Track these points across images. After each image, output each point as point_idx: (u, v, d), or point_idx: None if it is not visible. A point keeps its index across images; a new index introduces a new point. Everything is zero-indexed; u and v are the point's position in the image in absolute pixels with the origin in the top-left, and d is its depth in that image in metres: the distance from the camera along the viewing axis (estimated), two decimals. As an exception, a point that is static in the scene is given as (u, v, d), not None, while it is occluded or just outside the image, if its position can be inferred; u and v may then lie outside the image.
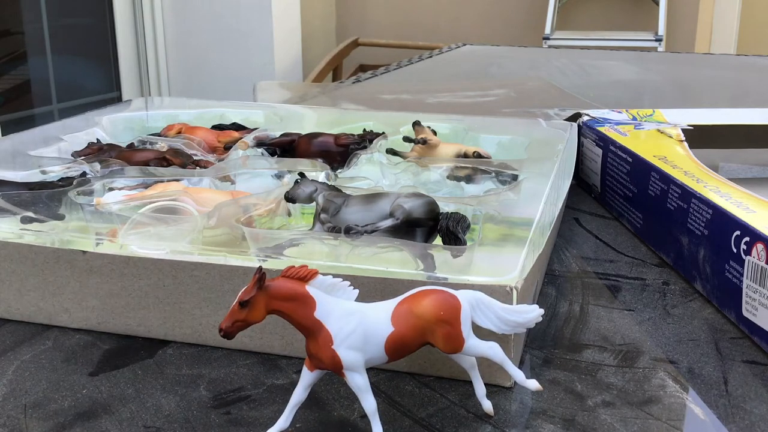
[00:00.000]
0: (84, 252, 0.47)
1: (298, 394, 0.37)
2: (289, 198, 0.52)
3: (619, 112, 0.81)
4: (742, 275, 0.48)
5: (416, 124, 0.66)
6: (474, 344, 0.38)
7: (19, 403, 0.41)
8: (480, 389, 0.40)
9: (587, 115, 0.80)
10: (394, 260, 0.46)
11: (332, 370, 0.36)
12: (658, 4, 2.95)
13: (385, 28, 3.35)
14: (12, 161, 0.65)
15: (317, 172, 0.60)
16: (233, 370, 0.44)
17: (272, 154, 0.67)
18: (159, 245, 0.47)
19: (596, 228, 0.68)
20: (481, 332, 0.38)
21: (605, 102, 1.03)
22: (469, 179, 0.61)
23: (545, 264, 0.57)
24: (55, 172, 0.61)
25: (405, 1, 3.37)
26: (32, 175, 0.61)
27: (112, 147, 0.66)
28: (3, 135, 1.48)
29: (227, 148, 0.69)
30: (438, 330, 0.37)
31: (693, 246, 0.55)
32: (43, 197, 0.55)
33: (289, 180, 0.59)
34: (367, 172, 0.62)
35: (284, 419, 0.37)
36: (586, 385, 0.43)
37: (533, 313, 0.39)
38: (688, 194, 0.56)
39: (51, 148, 0.68)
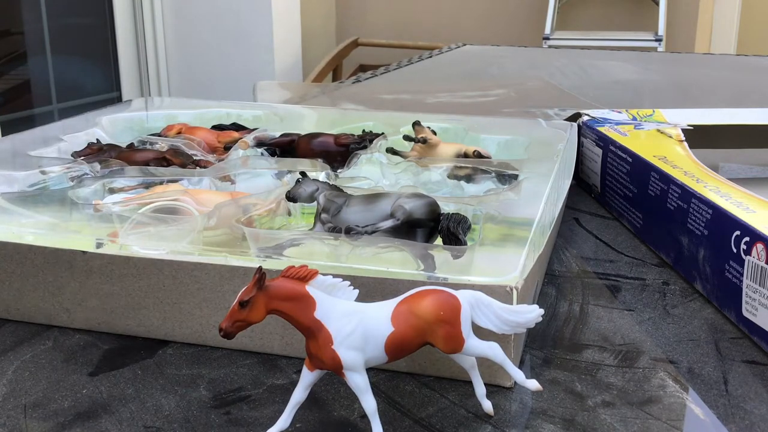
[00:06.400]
0: (84, 252, 0.47)
1: (298, 394, 0.37)
2: (291, 197, 0.51)
3: (619, 112, 0.81)
4: (742, 275, 0.48)
5: (416, 124, 0.66)
6: (474, 344, 0.38)
7: (19, 403, 0.41)
8: (480, 389, 0.40)
9: (587, 115, 0.80)
10: (395, 260, 0.46)
11: (332, 370, 0.36)
12: (658, 4, 2.95)
13: (385, 28, 3.35)
14: (12, 161, 0.65)
15: (317, 172, 0.60)
16: (233, 370, 0.44)
17: (272, 154, 0.67)
18: (159, 245, 0.47)
19: (596, 228, 0.68)
20: (481, 332, 0.38)
21: (605, 102, 1.03)
22: (469, 179, 0.61)
23: (545, 264, 0.57)
24: (55, 172, 0.61)
25: (405, 1, 3.37)
26: (32, 175, 0.61)
27: (112, 147, 0.66)
28: (3, 135, 1.48)
29: (227, 148, 0.69)
30: (438, 330, 0.37)
31: (693, 246, 0.55)
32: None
33: (289, 180, 0.59)
34: (367, 172, 0.62)
35: (284, 419, 0.37)
36: (586, 385, 0.43)
37: (533, 313, 0.39)
38: (688, 194, 0.56)
39: (51, 148, 0.68)
